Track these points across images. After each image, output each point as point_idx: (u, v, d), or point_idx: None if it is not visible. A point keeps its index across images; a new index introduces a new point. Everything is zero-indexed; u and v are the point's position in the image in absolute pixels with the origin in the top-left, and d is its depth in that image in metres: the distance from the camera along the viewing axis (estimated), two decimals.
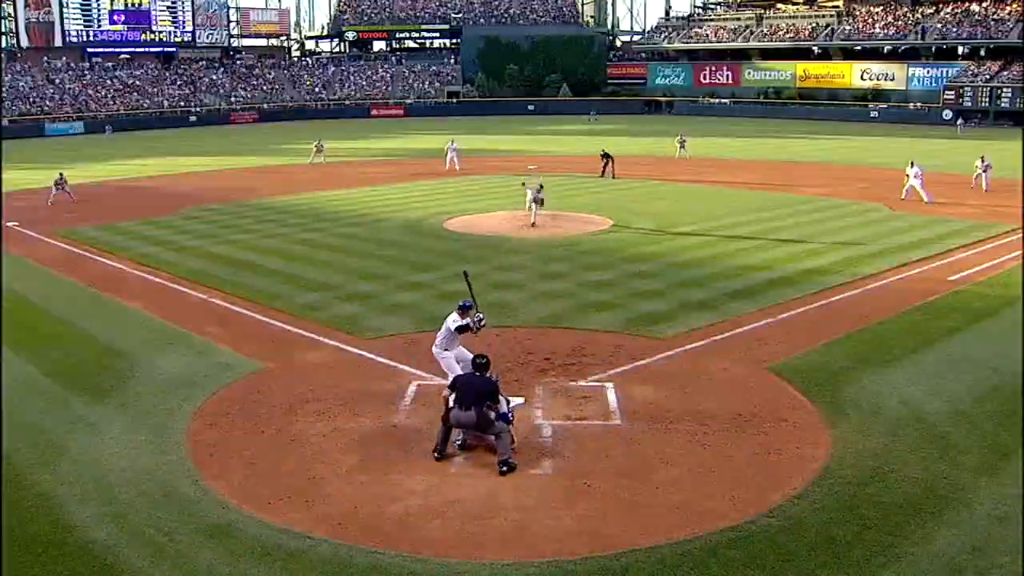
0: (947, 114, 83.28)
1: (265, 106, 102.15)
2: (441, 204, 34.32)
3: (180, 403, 13.89)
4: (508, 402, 12.18)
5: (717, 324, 17.88)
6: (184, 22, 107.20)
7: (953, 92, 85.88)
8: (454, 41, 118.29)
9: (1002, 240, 26.24)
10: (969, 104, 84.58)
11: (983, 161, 37.35)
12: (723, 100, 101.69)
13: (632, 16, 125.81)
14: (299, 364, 15.90)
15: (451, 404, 11.86)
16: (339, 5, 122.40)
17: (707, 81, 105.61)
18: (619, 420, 13.14)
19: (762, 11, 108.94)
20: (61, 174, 37.74)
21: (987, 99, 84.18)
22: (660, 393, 14.16)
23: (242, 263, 24.20)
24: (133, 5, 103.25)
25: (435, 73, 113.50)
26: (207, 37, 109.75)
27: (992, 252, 24.61)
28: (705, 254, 24.63)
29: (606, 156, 42.87)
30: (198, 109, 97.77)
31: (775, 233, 27.66)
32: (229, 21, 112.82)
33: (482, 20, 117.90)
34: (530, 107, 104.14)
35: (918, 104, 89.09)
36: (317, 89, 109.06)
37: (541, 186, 29.49)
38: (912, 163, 35.44)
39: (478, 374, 12.00)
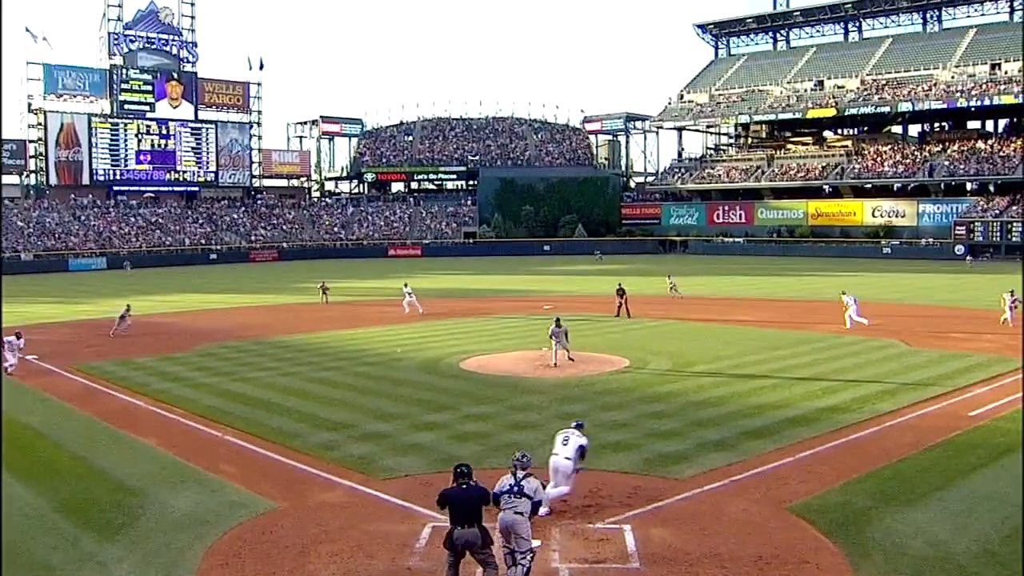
0: (959, 249, 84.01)
1: (285, 245, 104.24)
2: (458, 343, 34.41)
3: (191, 542, 13.68)
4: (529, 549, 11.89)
5: (735, 464, 17.64)
6: (208, 163, 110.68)
7: (964, 227, 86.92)
8: (471, 183, 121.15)
9: (1021, 374, 25.99)
10: (980, 239, 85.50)
11: (1012, 295, 36.58)
12: (737, 239, 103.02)
13: (645, 157, 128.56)
14: (312, 504, 15.70)
15: (450, 525, 11.55)
16: (358, 147, 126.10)
17: (721, 220, 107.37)
18: (637, 563, 12.84)
19: (773, 151, 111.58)
20: (128, 306, 38.52)
21: (998, 234, 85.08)
22: (679, 535, 13.88)
23: (258, 401, 24.19)
24: (159, 146, 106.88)
25: (452, 214, 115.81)
26: (229, 177, 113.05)
27: (1012, 386, 24.36)
28: (722, 393, 24.49)
29: (621, 292, 43.01)
30: (218, 247, 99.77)
31: (792, 371, 27.56)
32: (251, 162, 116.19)
33: (499, 162, 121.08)
34: (546, 247, 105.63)
35: (930, 240, 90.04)
36: (336, 229, 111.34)
37: (558, 319, 29.49)
38: (844, 292, 37.86)
39: (464, 484, 11.64)
